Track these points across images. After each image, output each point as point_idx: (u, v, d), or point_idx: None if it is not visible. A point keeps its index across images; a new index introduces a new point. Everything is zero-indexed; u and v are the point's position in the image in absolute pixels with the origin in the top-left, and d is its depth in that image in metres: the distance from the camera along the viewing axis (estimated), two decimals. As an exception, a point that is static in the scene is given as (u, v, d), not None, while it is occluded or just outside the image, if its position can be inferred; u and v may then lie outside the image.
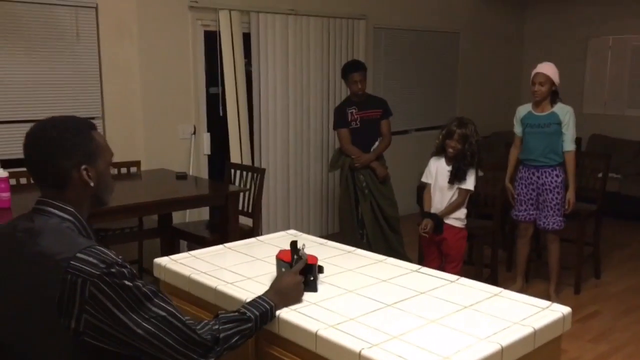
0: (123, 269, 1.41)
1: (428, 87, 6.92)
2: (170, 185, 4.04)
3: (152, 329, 1.38)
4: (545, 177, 4.14)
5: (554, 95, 4.10)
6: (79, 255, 1.38)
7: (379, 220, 4.69)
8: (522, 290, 4.29)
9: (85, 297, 1.34)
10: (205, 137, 5.16)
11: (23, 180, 4.04)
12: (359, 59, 5.44)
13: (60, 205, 1.52)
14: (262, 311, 1.63)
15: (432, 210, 3.78)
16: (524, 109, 4.24)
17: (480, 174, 4.72)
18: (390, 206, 4.73)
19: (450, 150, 3.68)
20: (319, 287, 1.88)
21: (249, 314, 1.60)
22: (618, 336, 3.77)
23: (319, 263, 1.89)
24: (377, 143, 4.70)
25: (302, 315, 1.68)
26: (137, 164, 4.53)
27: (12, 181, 3.98)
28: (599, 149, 5.75)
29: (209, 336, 1.47)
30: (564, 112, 4.07)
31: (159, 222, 4.43)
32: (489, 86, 7.64)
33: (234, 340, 1.53)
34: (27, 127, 1.61)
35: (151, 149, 4.80)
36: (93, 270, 1.36)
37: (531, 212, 4.24)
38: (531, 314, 1.68)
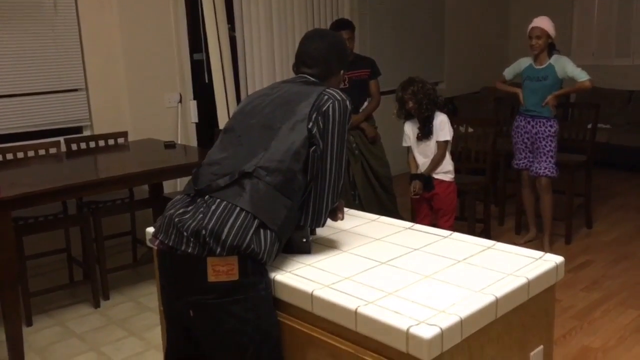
0: None
1: (416, 45, 6.84)
2: (159, 155, 4.01)
3: None
4: (540, 126, 4.23)
5: (550, 48, 4.18)
6: None
7: (371, 181, 4.65)
8: (536, 238, 4.39)
9: None
10: (192, 105, 5.11)
11: (9, 156, 4.00)
12: (344, 15, 5.36)
13: None
14: None
15: (421, 170, 3.80)
16: (525, 62, 4.32)
17: (470, 130, 4.74)
18: (382, 166, 4.69)
19: (412, 111, 3.75)
20: (312, 248, 1.87)
21: None
22: (610, 284, 3.83)
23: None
24: (366, 103, 4.63)
25: (297, 276, 1.68)
26: (124, 134, 4.48)
27: (-1, 157, 3.95)
28: (587, 100, 5.74)
29: None
30: (559, 63, 4.15)
31: (150, 193, 4.41)
32: (477, 42, 7.57)
33: None
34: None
35: (138, 119, 4.75)
36: None
37: (531, 160, 4.35)
38: (524, 264, 1.69)
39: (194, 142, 5.12)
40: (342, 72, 1.99)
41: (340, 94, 1.80)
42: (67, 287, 3.98)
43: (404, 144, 3.92)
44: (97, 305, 3.76)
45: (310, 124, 1.72)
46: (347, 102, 1.79)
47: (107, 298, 3.86)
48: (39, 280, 4.11)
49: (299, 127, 1.72)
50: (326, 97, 1.76)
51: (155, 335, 3.28)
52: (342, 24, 4.54)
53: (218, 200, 1.65)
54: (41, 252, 4.09)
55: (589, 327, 3.28)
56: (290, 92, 1.83)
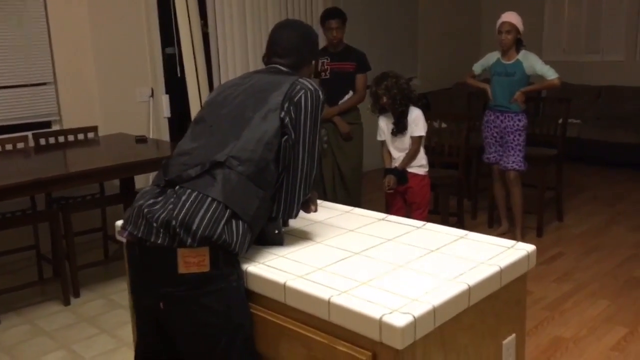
0: None
1: (390, 41, 6.85)
2: (130, 149, 3.95)
3: None
4: (508, 121, 4.28)
5: (518, 43, 4.22)
6: None
7: (335, 179, 4.48)
8: (508, 231, 4.43)
9: None
10: (164, 100, 5.04)
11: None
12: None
13: None
14: None
15: (396, 164, 3.81)
16: (493, 57, 4.36)
17: (444, 125, 4.77)
18: (350, 167, 4.47)
19: (386, 106, 3.74)
20: (285, 240, 1.86)
21: None
22: (581, 275, 3.88)
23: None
24: (346, 97, 4.42)
25: (270, 267, 1.66)
26: (94, 129, 4.40)
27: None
28: (558, 95, 5.83)
29: None
30: (527, 59, 4.20)
31: (121, 188, 4.34)
32: (450, 37, 7.61)
33: None
34: None
35: (108, 114, 4.67)
36: None
37: (500, 154, 4.39)
38: (497, 253, 1.69)
39: (166, 137, 5.06)
40: (313, 62, 1.98)
41: (313, 83, 1.79)
42: (36, 284, 3.90)
43: (379, 138, 3.92)
44: (67, 302, 3.69)
45: (283, 113, 1.70)
46: (320, 92, 1.78)
47: (77, 295, 3.79)
48: (7, 278, 4.02)
49: (271, 117, 1.70)
50: (298, 86, 1.75)
51: (127, 332, 3.23)
52: (332, 13, 4.36)
53: (189, 190, 1.62)
54: (9, 249, 4.00)
55: (560, 318, 3.32)
56: (263, 81, 1.81)
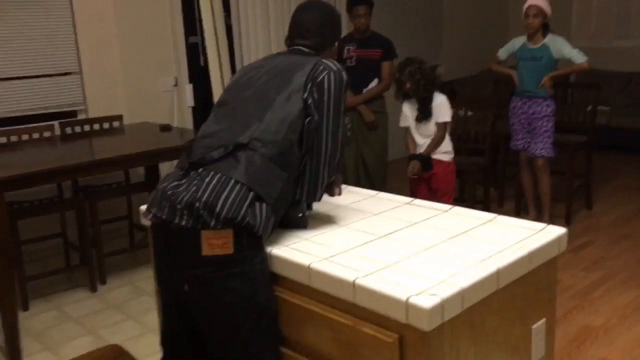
0: None
1: (414, 28, 6.78)
2: (155, 137, 3.96)
3: None
4: (536, 106, 4.20)
5: (545, 27, 4.14)
6: None
7: (359, 170, 4.43)
8: (536, 220, 4.34)
9: None
10: (188, 89, 5.05)
11: (3, 140, 3.95)
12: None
13: None
14: None
15: (421, 150, 3.76)
16: (518, 41, 4.28)
17: (470, 113, 4.69)
18: (374, 158, 4.40)
19: (409, 92, 3.68)
20: (309, 223, 1.84)
21: None
22: (610, 264, 3.80)
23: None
24: (372, 85, 4.32)
25: (294, 250, 1.65)
26: (119, 118, 4.43)
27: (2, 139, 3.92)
28: (587, 81, 5.71)
29: None
30: (555, 43, 4.12)
31: (146, 176, 4.37)
32: (476, 24, 7.49)
33: None
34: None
35: (133, 103, 4.70)
36: None
37: (528, 141, 4.31)
38: (526, 236, 1.65)
39: (190, 126, 5.07)
40: (336, 44, 1.94)
41: (337, 64, 1.76)
42: (64, 271, 3.95)
43: (402, 124, 3.87)
44: (94, 289, 3.73)
45: (306, 94, 1.68)
46: (343, 73, 1.75)
47: (104, 282, 3.83)
48: (35, 265, 4.07)
49: (295, 98, 1.68)
50: (321, 67, 1.72)
51: (153, 318, 3.25)
52: None
53: (212, 172, 1.61)
54: (37, 237, 4.06)
55: (590, 307, 3.25)
56: (285, 62, 1.79)
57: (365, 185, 4.38)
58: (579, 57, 4.08)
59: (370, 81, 4.35)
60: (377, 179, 4.43)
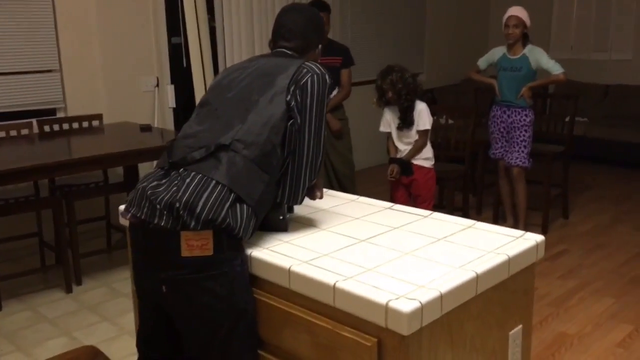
0: None
1: (396, 36, 6.82)
2: (135, 137, 3.93)
3: None
4: (515, 115, 4.25)
5: (524, 38, 4.20)
6: None
7: (330, 177, 4.44)
8: (513, 228, 4.38)
9: None
10: (170, 90, 5.02)
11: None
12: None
13: None
14: None
15: (402, 156, 3.79)
16: (499, 51, 4.33)
17: (450, 121, 4.73)
18: (343, 163, 4.43)
19: (391, 100, 3.70)
20: (290, 226, 1.83)
21: None
22: (586, 272, 3.85)
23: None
24: (334, 93, 4.32)
25: (274, 252, 1.64)
26: (99, 117, 4.38)
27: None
28: (566, 92, 5.81)
29: None
30: (533, 53, 4.17)
31: (125, 176, 4.33)
32: (457, 33, 7.57)
33: None
34: None
35: (113, 102, 4.65)
36: None
37: (506, 149, 4.37)
38: (505, 242, 1.67)
39: (170, 127, 5.04)
40: (319, 46, 1.95)
41: (320, 67, 1.76)
42: (39, 271, 3.89)
43: (382, 129, 3.88)
44: (69, 290, 3.67)
45: (289, 96, 1.68)
46: (326, 76, 1.75)
47: (79, 283, 3.78)
48: (9, 265, 4.01)
49: (278, 100, 1.68)
50: (305, 70, 1.72)
51: (129, 320, 3.22)
52: (319, 5, 4.21)
53: (193, 173, 1.60)
54: (12, 236, 3.99)
55: (565, 314, 3.29)
56: (269, 64, 1.79)
57: (337, 190, 4.39)
58: (555, 68, 4.14)
59: (333, 89, 4.35)
60: (347, 183, 4.48)
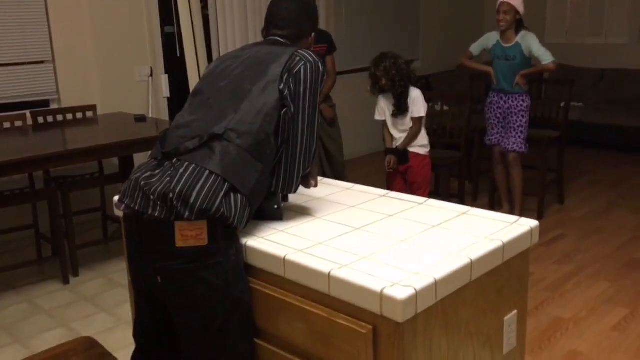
0: None
1: (391, 22, 6.79)
2: (129, 128, 3.92)
3: None
4: (512, 101, 4.26)
5: (518, 25, 4.14)
6: None
7: (323, 164, 4.49)
8: (509, 214, 4.40)
9: None
10: (164, 79, 5.00)
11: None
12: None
13: None
14: None
15: (397, 144, 3.79)
16: (492, 38, 4.30)
17: (446, 108, 4.72)
18: (337, 149, 4.51)
19: (385, 87, 3.70)
20: (285, 215, 1.83)
21: None
22: (581, 257, 3.87)
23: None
24: None
25: (269, 241, 1.64)
26: (92, 108, 4.37)
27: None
28: (561, 78, 5.80)
29: None
30: (525, 40, 4.14)
31: (120, 167, 4.32)
32: (452, 20, 7.54)
33: None
34: None
35: (107, 93, 4.63)
36: None
37: (502, 135, 4.36)
38: (499, 229, 1.67)
39: (165, 117, 5.02)
40: (313, 35, 1.94)
41: (313, 55, 1.75)
42: (35, 263, 3.89)
43: (377, 117, 3.88)
44: (66, 281, 3.68)
45: (282, 85, 1.67)
46: (320, 64, 1.74)
47: (76, 274, 3.78)
48: (5, 257, 4.01)
49: (271, 89, 1.67)
50: (298, 58, 1.71)
51: (126, 311, 3.23)
52: None
53: (186, 163, 1.59)
54: (8, 228, 3.99)
55: (561, 299, 3.31)
56: (261, 53, 1.77)
57: (330, 177, 4.42)
58: (545, 57, 4.11)
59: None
60: (341, 171, 4.54)
